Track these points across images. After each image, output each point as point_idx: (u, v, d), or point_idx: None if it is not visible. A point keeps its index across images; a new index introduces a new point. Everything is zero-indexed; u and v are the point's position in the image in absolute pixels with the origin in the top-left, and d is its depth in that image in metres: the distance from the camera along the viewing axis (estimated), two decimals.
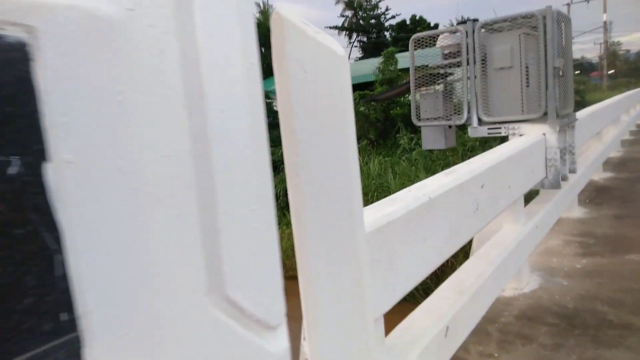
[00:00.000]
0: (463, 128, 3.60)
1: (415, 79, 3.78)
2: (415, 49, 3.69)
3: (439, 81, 3.78)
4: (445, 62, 3.58)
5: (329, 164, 0.99)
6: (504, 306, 2.76)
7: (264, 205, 0.66)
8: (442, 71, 3.77)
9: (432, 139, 3.89)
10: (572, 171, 3.65)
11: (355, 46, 48.07)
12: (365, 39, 47.64)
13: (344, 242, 1.03)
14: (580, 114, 4.75)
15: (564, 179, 3.41)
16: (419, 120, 3.81)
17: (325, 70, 0.96)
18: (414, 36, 3.69)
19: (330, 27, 47.59)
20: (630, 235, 3.82)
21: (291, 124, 0.96)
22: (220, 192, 0.61)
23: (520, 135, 3.26)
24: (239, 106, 0.62)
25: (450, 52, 3.55)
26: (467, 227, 2.04)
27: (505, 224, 2.82)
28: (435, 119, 3.73)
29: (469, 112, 3.50)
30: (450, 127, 3.90)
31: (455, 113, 3.69)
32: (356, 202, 1.04)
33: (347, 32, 47.79)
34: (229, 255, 0.63)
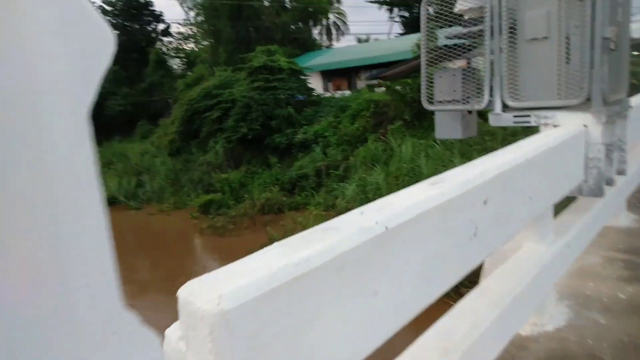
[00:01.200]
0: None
1: (428, 53, 3.09)
2: (428, 14, 2.99)
3: (458, 55, 3.08)
4: (464, 30, 2.88)
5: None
6: (517, 350, 2.13)
7: None
8: (463, 42, 3.06)
9: (447, 127, 3.20)
10: (621, 172, 2.91)
11: (397, 21, 46.34)
12: (407, 14, 45.85)
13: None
14: (637, 99, 3.92)
15: (609, 183, 2.69)
16: (431, 103, 3.13)
17: None
18: None
19: (370, 1, 45.97)
20: None
21: None
22: None
23: (555, 126, 2.56)
24: None
25: (470, 19, 2.84)
26: (456, 263, 1.42)
27: (526, 242, 2.16)
28: (449, 102, 3.04)
29: (491, 95, 2.80)
30: (470, 112, 3.20)
31: (476, 95, 3.00)
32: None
33: (388, 7, 46.04)
34: None
